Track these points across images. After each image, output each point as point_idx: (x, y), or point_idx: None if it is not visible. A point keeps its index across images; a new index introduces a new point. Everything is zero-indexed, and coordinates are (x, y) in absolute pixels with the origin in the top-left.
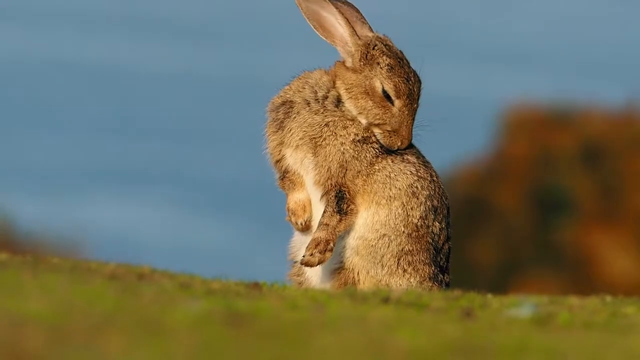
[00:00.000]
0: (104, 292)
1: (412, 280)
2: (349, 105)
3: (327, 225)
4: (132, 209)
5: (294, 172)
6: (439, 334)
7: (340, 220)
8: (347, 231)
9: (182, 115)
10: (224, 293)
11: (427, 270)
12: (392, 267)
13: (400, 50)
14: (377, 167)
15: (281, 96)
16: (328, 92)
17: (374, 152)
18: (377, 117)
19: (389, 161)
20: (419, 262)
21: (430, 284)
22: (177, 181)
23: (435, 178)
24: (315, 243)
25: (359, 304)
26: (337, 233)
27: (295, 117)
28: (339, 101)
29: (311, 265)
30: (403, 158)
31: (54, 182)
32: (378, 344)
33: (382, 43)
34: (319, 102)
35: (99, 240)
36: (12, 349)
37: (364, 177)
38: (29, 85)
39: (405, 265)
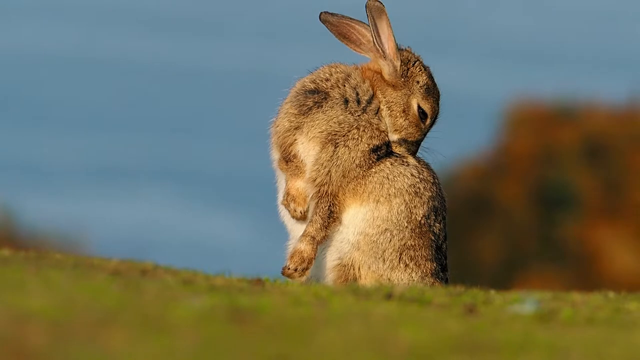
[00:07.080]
0: (106, 288)
1: (413, 275)
2: (387, 121)
3: (313, 238)
4: (135, 206)
5: (302, 160)
6: (442, 330)
7: (325, 236)
8: (346, 227)
9: (185, 111)
10: (227, 289)
11: (429, 266)
12: (394, 261)
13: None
14: (374, 170)
15: (316, 83)
16: (372, 99)
17: (377, 157)
18: (410, 135)
19: (388, 164)
20: (421, 258)
21: (432, 280)
22: (180, 177)
23: (436, 180)
24: (301, 258)
25: (362, 299)
26: (318, 247)
27: (327, 111)
28: (378, 111)
29: (291, 278)
30: (403, 161)
31: (57, 178)
32: (381, 339)
33: (417, 60)
34: (360, 104)
35: (101, 237)
36: (15, 344)
37: (360, 179)
38: (33, 82)
39: (407, 260)
